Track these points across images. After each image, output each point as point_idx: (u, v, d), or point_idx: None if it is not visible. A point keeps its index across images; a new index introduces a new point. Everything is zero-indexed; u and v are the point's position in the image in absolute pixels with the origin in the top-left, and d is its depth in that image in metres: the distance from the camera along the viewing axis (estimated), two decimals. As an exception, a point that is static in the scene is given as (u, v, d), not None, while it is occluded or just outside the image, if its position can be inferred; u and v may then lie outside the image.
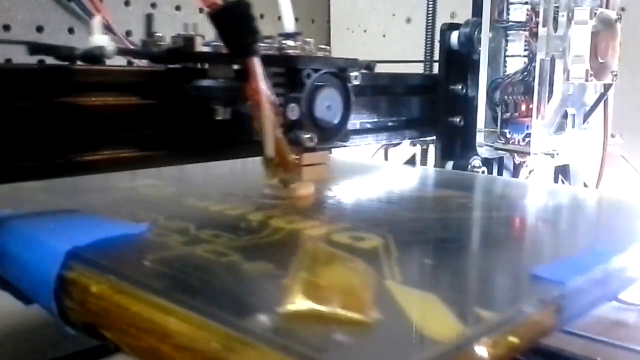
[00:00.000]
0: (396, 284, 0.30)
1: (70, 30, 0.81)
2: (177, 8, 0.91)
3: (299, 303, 0.27)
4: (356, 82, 0.49)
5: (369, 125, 0.63)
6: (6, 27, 0.76)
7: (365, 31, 1.11)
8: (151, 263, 0.33)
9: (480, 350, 0.24)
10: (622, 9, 0.72)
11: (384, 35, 1.08)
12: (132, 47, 0.61)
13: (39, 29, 0.79)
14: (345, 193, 0.53)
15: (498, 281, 0.33)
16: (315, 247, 0.36)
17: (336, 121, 0.49)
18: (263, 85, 0.41)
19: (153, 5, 0.89)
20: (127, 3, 0.86)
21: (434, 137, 0.70)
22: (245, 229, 0.40)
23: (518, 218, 0.48)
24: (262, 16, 0.78)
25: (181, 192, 0.50)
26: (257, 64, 0.41)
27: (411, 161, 0.75)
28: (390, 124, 0.66)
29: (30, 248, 0.34)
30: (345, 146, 0.55)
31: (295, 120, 0.45)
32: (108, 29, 0.77)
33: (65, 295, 0.32)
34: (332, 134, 0.49)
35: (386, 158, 0.76)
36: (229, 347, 0.24)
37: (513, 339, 0.26)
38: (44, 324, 0.48)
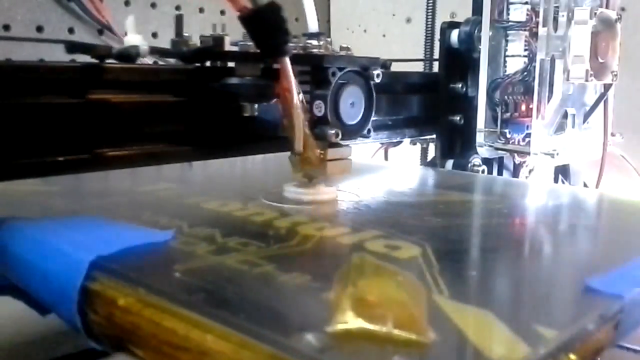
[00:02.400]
0: (445, 299, 0.28)
1: (70, 30, 0.80)
2: (177, 8, 0.90)
3: (349, 321, 0.26)
4: (378, 80, 0.50)
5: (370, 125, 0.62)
6: (6, 27, 0.75)
7: (365, 31, 1.11)
8: (181, 274, 0.31)
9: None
10: (622, 9, 0.72)
11: (384, 35, 1.08)
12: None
13: (39, 29, 0.78)
14: (368, 197, 0.52)
15: (553, 294, 0.32)
16: (360, 259, 0.34)
17: (359, 118, 0.50)
18: (294, 84, 0.43)
19: (153, 5, 0.88)
20: (127, 3, 0.86)
21: (434, 136, 0.70)
22: (273, 236, 0.38)
23: (560, 225, 0.47)
24: (297, 19, 0.78)
25: (200, 196, 0.49)
26: (287, 64, 0.42)
27: (428, 162, 0.74)
28: (390, 122, 0.65)
29: (49, 257, 0.33)
30: (366, 142, 0.57)
31: (321, 116, 0.47)
32: (108, 29, 0.76)
33: (90, 309, 0.30)
34: (356, 130, 0.50)
35: (386, 158, 0.75)
36: (275, 367, 0.23)
37: (574, 358, 0.25)
38: (44, 324, 0.47)
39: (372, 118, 0.58)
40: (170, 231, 0.37)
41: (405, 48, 1.01)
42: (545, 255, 0.39)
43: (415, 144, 0.72)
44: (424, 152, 0.74)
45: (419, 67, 0.84)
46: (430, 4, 0.81)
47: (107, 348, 0.31)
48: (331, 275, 0.31)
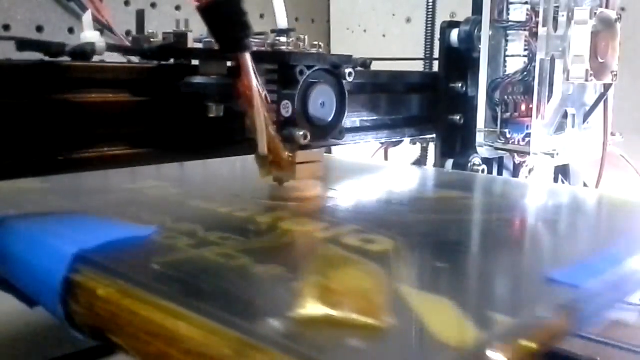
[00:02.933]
0: (408, 288, 0.29)
1: (70, 30, 0.81)
2: (177, 8, 0.91)
3: (312, 308, 0.27)
4: (350, 79, 0.49)
5: (369, 124, 0.62)
6: (6, 27, 0.76)
7: (365, 31, 1.11)
8: (160, 266, 0.32)
9: (495, 355, 0.24)
10: (622, 9, 0.72)
11: (384, 35, 1.08)
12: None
13: (39, 29, 0.79)
14: (352, 194, 0.53)
15: (512, 284, 0.33)
16: (327, 250, 0.35)
17: (330, 118, 0.48)
18: (255, 82, 0.41)
19: (153, 5, 0.89)
20: (127, 3, 0.86)
21: (434, 136, 0.70)
22: (254, 231, 0.39)
23: (529, 220, 0.48)
24: (262, 16, 0.79)
25: (186, 194, 0.50)
26: (248, 60, 0.41)
27: (417, 162, 0.75)
28: (390, 122, 0.66)
29: (35, 250, 0.34)
30: (340, 144, 0.54)
31: (289, 117, 0.45)
32: (108, 28, 0.77)
33: (72, 299, 0.31)
34: (327, 132, 0.48)
35: (386, 158, 0.76)
36: (241, 353, 0.24)
37: (528, 344, 0.26)
38: (44, 324, 0.48)
39: (373, 117, 0.58)
40: (153, 226, 0.38)
41: (405, 48, 1.01)
42: (513, 249, 0.40)
43: (415, 143, 0.73)
44: (424, 151, 0.74)
45: (419, 67, 0.85)
46: (430, 4, 0.81)
47: (87, 337, 0.32)
48: (304, 267, 0.32)
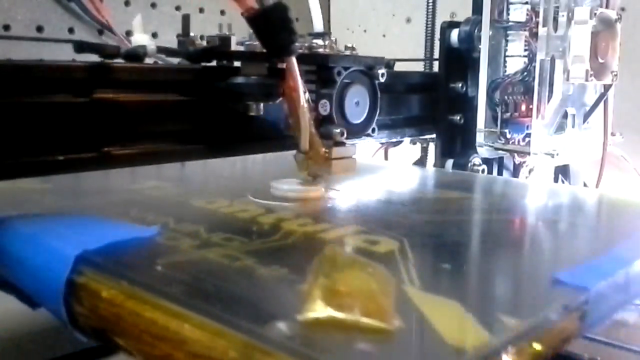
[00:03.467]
0: (416, 290, 0.29)
1: (70, 30, 0.81)
2: (177, 8, 0.91)
3: (319, 310, 0.27)
4: (382, 80, 0.51)
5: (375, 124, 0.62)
6: (6, 27, 0.76)
7: (365, 31, 1.11)
8: (163, 268, 0.32)
9: (505, 359, 0.24)
10: (622, 9, 0.72)
11: (384, 35, 1.08)
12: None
13: (39, 29, 0.79)
14: (355, 194, 0.52)
15: (519, 286, 0.33)
16: (331, 251, 0.35)
17: (364, 116, 0.51)
18: (300, 83, 0.43)
19: (153, 5, 0.89)
20: (127, 3, 0.86)
21: (434, 136, 0.70)
22: (257, 232, 0.39)
23: (533, 221, 0.48)
24: (297, 19, 0.78)
25: (188, 194, 0.50)
26: (294, 63, 0.43)
27: (419, 163, 0.75)
28: (390, 122, 0.66)
29: (38, 252, 0.34)
30: (373, 140, 0.57)
31: (326, 115, 0.47)
32: (108, 29, 0.77)
33: (75, 301, 0.31)
34: (361, 129, 0.50)
35: (386, 158, 0.76)
36: (247, 356, 0.24)
37: (537, 347, 0.25)
38: (44, 324, 0.48)
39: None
40: (156, 227, 0.38)
41: (405, 48, 1.01)
42: (519, 250, 0.40)
43: (415, 143, 0.73)
44: (424, 151, 0.74)
45: (419, 66, 0.84)
46: (430, 4, 0.81)
47: (91, 339, 0.32)
48: (308, 268, 0.31)
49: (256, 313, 0.27)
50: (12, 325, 0.50)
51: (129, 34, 0.81)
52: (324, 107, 0.47)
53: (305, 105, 0.44)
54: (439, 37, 0.71)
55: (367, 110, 0.51)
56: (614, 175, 0.70)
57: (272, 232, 0.39)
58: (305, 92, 0.44)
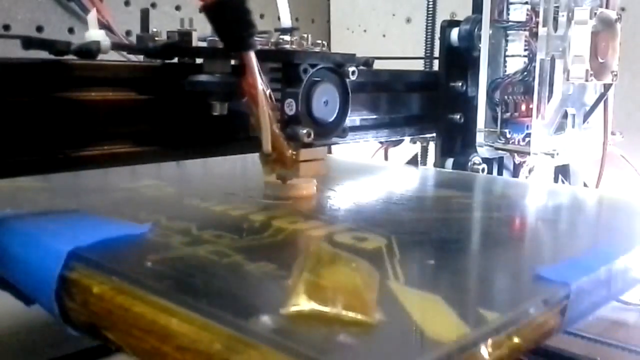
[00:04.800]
0: (399, 285, 0.30)
1: (70, 30, 0.81)
2: (177, 8, 0.91)
3: (302, 304, 0.27)
4: (353, 78, 0.49)
5: (369, 123, 0.63)
6: (6, 27, 0.76)
7: (365, 31, 1.12)
8: (153, 264, 0.32)
9: (484, 351, 0.24)
10: (622, 9, 0.72)
11: (384, 35, 1.08)
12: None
13: (39, 29, 0.79)
14: (347, 193, 0.53)
15: (502, 282, 0.33)
16: (318, 247, 0.36)
17: (334, 117, 0.48)
18: (259, 80, 0.41)
19: (153, 5, 0.89)
20: (127, 3, 0.86)
21: (434, 135, 0.70)
22: (247, 229, 0.40)
23: (522, 219, 0.48)
24: (262, 16, 0.79)
25: (182, 192, 0.50)
26: (253, 58, 0.41)
27: (413, 161, 0.75)
28: (390, 121, 0.66)
29: (31, 248, 0.34)
30: (343, 142, 0.55)
31: (292, 115, 0.45)
32: (108, 28, 0.77)
33: (67, 296, 0.32)
34: (330, 130, 0.48)
35: (386, 158, 0.76)
36: (232, 348, 0.24)
37: (517, 340, 0.26)
38: (44, 324, 0.48)
39: (373, 116, 0.59)
40: (147, 224, 0.38)
41: (405, 48, 1.01)
42: (503, 246, 0.40)
43: (415, 142, 0.73)
44: (424, 150, 0.74)
45: (419, 66, 0.85)
46: (430, 4, 0.81)
47: (82, 333, 0.32)
48: (295, 264, 0.32)
49: (241, 307, 0.28)
50: (12, 325, 0.51)
51: (129, 33, 0.82)
52: (290, 107, 0.45)
53: (266, 103, 0.42)
54: (439, 36, 0.71)
55: (337, 110, 0.49)
56: (614, 175, 0.69)
57: (262, 229, 0.39)
58: (267, 90, 0.42)
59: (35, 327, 0.50)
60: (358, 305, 0.27)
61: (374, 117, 0.63)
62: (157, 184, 0.53)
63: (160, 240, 0.36)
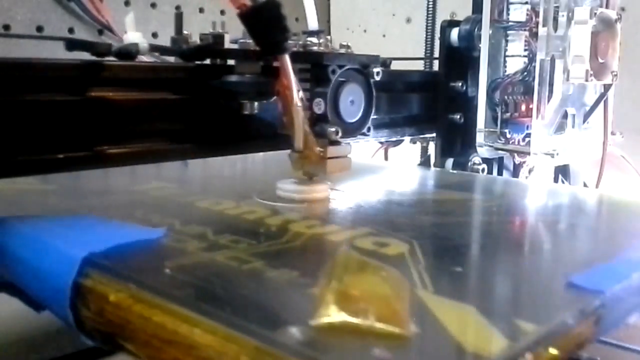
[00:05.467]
0: (429, 294, 0.29)
1: (70, 30, 0.81)
2: (177, 8, 0.90)
3: (333, 315, 0.26)
4: (377, 78, 0.50)
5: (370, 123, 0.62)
6: (6, 27, 0.75)
7: (365, 31, 1.11)
8: (171, 270, 0.32)
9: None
10: (622, 9, 0.72)
11: (384, 35, 1.08)
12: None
13: (39, 29, 0.78)
14: (361, 196, 0.52)
15: (534, 290, 0.32)
16: (345, 255, 0.35)
17: (359, 115, 0.50)
18: (293, 81, 0.43)
19: (153, 5, 0.88)
20: (127, 3, 0.86)
21: (434, 135, 0.70)
22: (264, 234, 0.39)
23: (542, 223, 0.48)
24: (297, 19, 0.78)
25: (193, 195, 0.49)
26: (287, 61, 0.43)
27: (425, 163, 0.75)
28: (390, 121, 0.65)
29: (43, 254, 0.33)
30: (368, 140, 0.57)
31: (321, 114, 0.47)
32: (108, 28, 0.77)
33: (82, 304, 0.31)
34: (356, 128, 0.50)
35: (386, 158, 0.75)
36: (259, 361, 0.23)
37: (554, 352, 0.25)
38: (44, 324, 0.47)
39: (372, 116, 0.58)
40: (162, 229, 0.38)
41: (405, 48, 1.00)
42: (532, 253, 0.40)
43: (415, 142, 0.72)
44: (424, 150, 0.74)
45: (419, 66, 0.84)
46: (431, 4, 0.81)
47: (98, 343, 0.31)
48: (319, 271, 0.31)
49: (267, 317, 0.27)
50: (12, 326, 0.50)
51: None
52: (319, 106, 0.47)
53: (299, 103, 0.43)
54: (439, 36, 0.71)
55: (362, 109, 0.50)
56: (614, 175, 0.69)
57: (280, 234, 0.39)
58: (299, 91, 0.44)
59: (35, 328, 0.49)
60: (390, 317, 0.26)
61: (374, 117, 0.62)
62: (166, 186, 0.52)
63: (176, 245, 0.36)
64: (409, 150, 0.75)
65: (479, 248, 0.39)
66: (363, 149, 0.75)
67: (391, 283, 0.30)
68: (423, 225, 0.43)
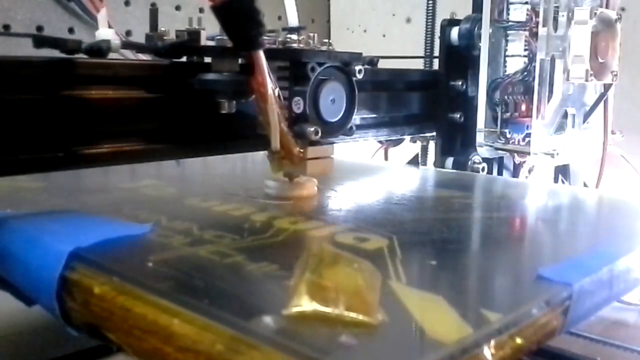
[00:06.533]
0: (402, 285, 0.30)
1: (70, 30, 0.81)
2: (177, 8, 0.91)
3: (304, 304, 0.27)
4: (360, 76, 0.49)
5: (368, 122, 0.62)
6: (6, 27, 0.76)
7: (365, 31, 1.12)
8: (154, 264, 0.32)
9: (486, 352, 0.24)
10: (622, 9, 0.72)
11: (384, 35, 1.09)
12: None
13: (39, 29, 0.79)
14: (348, 193, 0.53)
15: (503, 282, 0.33)
16: (320, 248, 0.36)
17: (340, 115, 0.49)
18: (268, 79, 0.42)
19: (153, 5, 0.88)
20: (127, 3, 0.86)
21: (434, 134, 0.70)
22: (248, 229, 0.39)
23: (523, 219, 0.48)
24: (279, 18, 0.77)
25: (183, 192, 0.50)
26: (261, 57, 0.41)
27: (414, 162, 0.75)
28: (390, 120, 0.66)
29: (32, 249, 0.34)
30: (349, 141, 0.55)
31: (300, 113, 0.46)
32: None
33: (68, 297, 0.32)
34: (337, 128, 0.49)
35: (386, 158, 0.76)
36: (234, 349, 0.24)
37: (519, 341, 0.26)
38: (44, 324, 0.48)
39: (372, 115, 0.59)
40: (148, 224, 0.38)
41: (405, 48, 1.00)
42: (505, 246, 0.40)
43: (415, 141, 0.73)
44: (424, 150, 0.74)
45: (419, 65, 0.85)
46: (430, 4, 0.81)
47: (83, 334, 0.32)
48: (297, 265, 0.32)
49: (243, 307, 0.27)
50: (12, 325, 0.51)
51: (129, 33, 0.82)
52: (298, 105, 0.46)
53: (274, 101, 0.42)
54: (438, 35, 0.71)
55: (343, 108, 0.49)
56: (614, 175, 0.70)
57: (263, 229, 0.39)
58: (275, 88, 0.43)
59: (35, 327, 0.50)
60: (360, 306, 0.27)
61: (374, 116, 0.63)
62: (156, 184, 0.53)
63: (161, 240, 0.36)
64: (408, 150, 0.75)
65: (456, 243, 0.39)
66: (363, 149, 0.75)
67: (363, 274, 0.31)
68: (405, 222, 0.44)
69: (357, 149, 0.70)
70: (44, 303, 0.33)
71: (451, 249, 0.38)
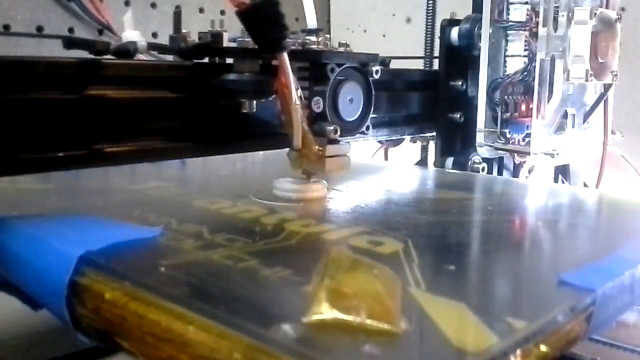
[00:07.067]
0: (421, 292, 0.29)
1: (70, 30, 0.81)
2: (177, 8, 0.89)
3: (325, 312, 0.26)
4: (377, 77, 0.50)
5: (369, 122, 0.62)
6: (6, 27, 0.75)
7: (365, 31, 1.12)
8: (167, 269, 0.32)
9: (514, 361, 0.24)
10: (622, 9, 0.72)
11: (384, 35, 1.08)
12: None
13: (39, 29, 0.79)
14: (358, 195, 0.53)
15: (526, 288, 0.33)
16: (338, 253, 0.35)
17: (358, 114, 0.50)
18: (292, 80, 0.43)
19: (153, 5, 0.89)
20: (127, 3, 0.86)
21: (434, 134, 0.70)
22: (260, 232, 0.39)
23: (537, 222, 0.48)
24: (297, 19, 0.78)
25: (191, 194, 0.50)
26: (285, 59, 0.43)
27: (422, 162, 0.75)
28: (390, 120, 0.65)
29: (39, 253, 0.34)
30: (366, 139, 0.57)
31: (320, 112, 0.47)
32: (108, 29, 0.77)
33: (78, 302, 0.31)
34: (355, 127, 0.50)
35: (386, 158, 0.76)
36: (252, 358, 0.24)
37: (544, 349, 0.25)
38: (44, 324, 0.47)
39: (372, 115, 0.58)
40: (158, 227, 0.38)
41: (405, 48, 1.00)
42: (526, 251, 0.40)
43: (415, 141, 0.73)
44: (424, 150, 0.74)
45: (419, 65, 0.84)
46: (430, 4, 0.81)
47: (94, 340, 0.31)
48: (312, 270, 0.31)
49: (260, 315, 0.27)
50: (12, 325, 0.50)
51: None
52: (317, 104, 0.47)
53: (298, 102, 0.43)
54: (438, 35, 0.71)
55: (361, 108, 0.50)
56: (614, 175, 0.69)
57: (275, 232, 0.39)
58: (297, 89, 0.44)
59: (35, 328, 0.49)
60: (382, 314, 0.26)
61: (374, 116, 0.62)
62: (164, 185, 0.53)
63: (172, 244, 0.36)
64: (408, 150, 0.75)
65: (473, 247, 0.39)
66: (363, 148, 0.75)
67: (383, 281, 0.30)
68: (418, 224, 0.43)
69: (357, 149, 0.70)
70: (52, 309, 0.33)
71: (468, 253, 0.37)
